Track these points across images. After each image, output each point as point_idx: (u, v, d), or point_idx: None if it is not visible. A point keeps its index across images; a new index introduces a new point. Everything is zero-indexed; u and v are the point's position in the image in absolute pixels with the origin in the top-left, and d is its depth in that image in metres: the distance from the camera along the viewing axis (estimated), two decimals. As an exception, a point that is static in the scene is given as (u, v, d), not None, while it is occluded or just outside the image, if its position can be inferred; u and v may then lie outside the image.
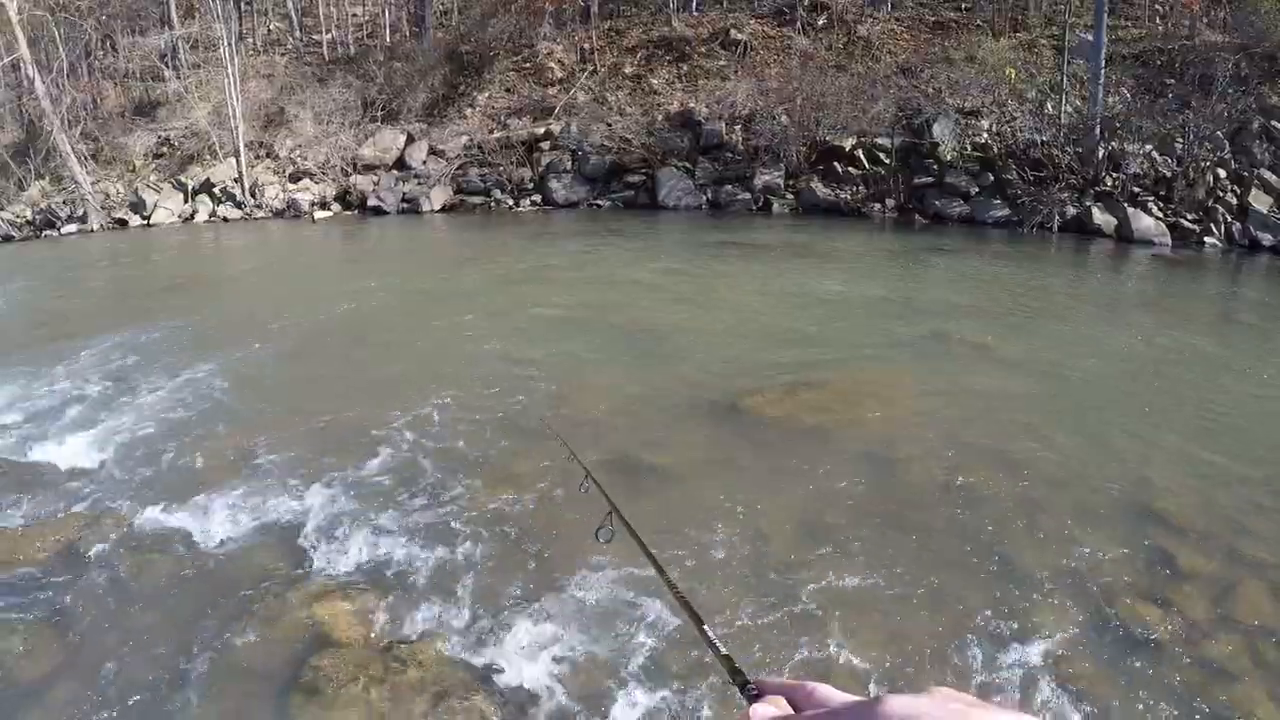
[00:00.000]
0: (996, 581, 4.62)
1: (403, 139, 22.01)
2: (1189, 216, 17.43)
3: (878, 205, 17.98)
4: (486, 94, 21.76)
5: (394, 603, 4.51)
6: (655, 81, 20.34)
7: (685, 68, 20.40)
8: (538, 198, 20.38)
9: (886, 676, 3.89)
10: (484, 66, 22.24)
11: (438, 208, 20.95)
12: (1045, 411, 7.13)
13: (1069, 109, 18.41)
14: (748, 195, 18.61)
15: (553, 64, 21.50)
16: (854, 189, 18.17)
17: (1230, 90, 18.69)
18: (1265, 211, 17.59)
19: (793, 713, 0.54)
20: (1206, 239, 17.27)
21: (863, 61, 19.50)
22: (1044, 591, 4.53)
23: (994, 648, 4.08)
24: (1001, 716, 0.45)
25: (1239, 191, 17.89)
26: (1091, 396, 7.59)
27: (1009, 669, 3.94)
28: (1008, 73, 18.58)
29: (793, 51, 20.06)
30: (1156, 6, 21.46)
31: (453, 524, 5.22)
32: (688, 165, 19.18)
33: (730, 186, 18.75)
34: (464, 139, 21.21)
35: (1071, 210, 17.36)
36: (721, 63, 20.11)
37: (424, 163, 21.49)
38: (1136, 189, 17.71)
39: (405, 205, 20.94)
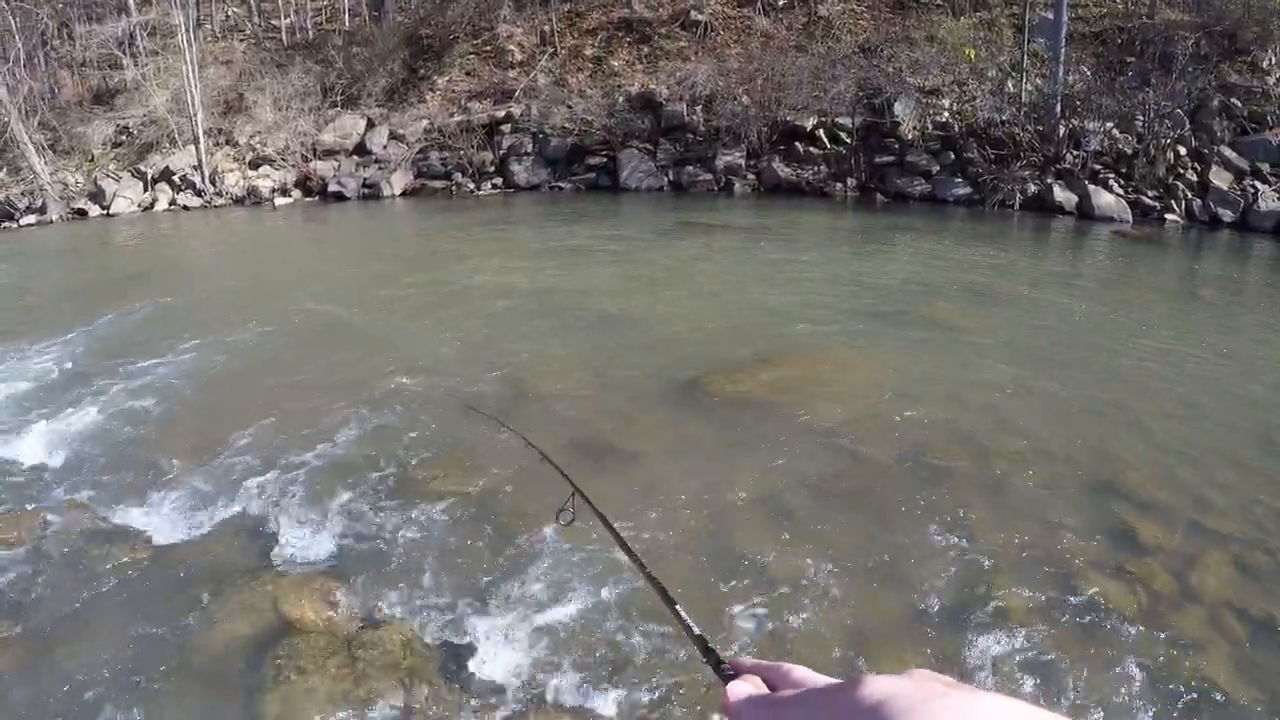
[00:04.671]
0: (959, 558, 4.59)
1: (363, 124, 21.73)
2: (1150, 193, 17.43)
3: (839, 184, 17.88)
4: (447, 78, 21.52)
5: (358, 589, 4.44)
6: (616, 63, 20.16)
7: (646, 49, 20.23)
8: (499, 181, 20.18)
9: (850, 655, 3.85)
10: (444, 50, 22.00)
11: (399, 192, 20.70)
12: (1007, 389, 7.10)
13: (1029, 87, 18.37)
14: (709, 176, 18.48)
15: (513, 47, 21.30)
16: (815, 169, 18.07)
17: (1190, 68, 18.71)
18: (1225, 188, 17.63)
19: (769, 692, 0.53)
20: (1167, 215, 17.29)
21: (824, 42, 19.39)
22: (1007, 567, 4.51)
23: (957, 625, 4.06)
24: (981, 699, 0.44)
25: (1199, 169, 17.92)
26: (1052, 373, 7.57)
27: (972, 646, 3.92)
28: (968, 52, 18.51)
29: (754, 32, 19.92)
30: (1117, -16, 21.47)
31: (415, 510, 5.13)
32: (649, 147, 19.03)
33: (692, 167, 18.61)
34: (424, 123, 20.96)
35: (1033, 188, 17.32)
36: (682, 44, 19.97)
37: (384, 148, 21.22)
38: (1097, 166, 17.69)
39: (366, 190, 20.67)
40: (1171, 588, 4.46)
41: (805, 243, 14.30)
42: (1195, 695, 3.71)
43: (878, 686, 0.46)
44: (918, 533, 4.82)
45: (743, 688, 0.54)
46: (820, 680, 0.53)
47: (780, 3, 20.41)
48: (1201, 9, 20.26)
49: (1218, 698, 3.71)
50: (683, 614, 0.70)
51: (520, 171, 19.98)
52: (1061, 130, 17.71)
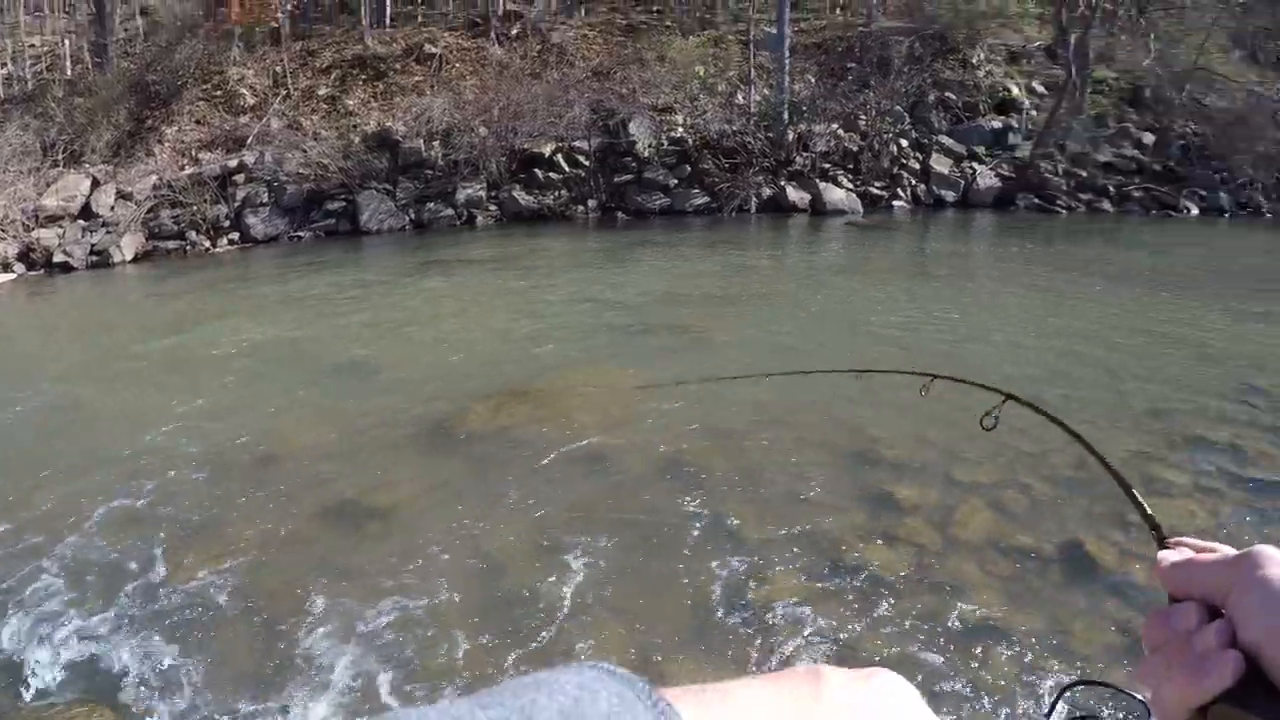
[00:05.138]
0: (733, 552, 4.62)
1: (87, 183, 19.88)
2: (877, 184, 18.03)
3: (580, 207, 17.65)
4: (175, 127, 20.13)
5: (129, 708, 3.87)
6: (351, 102, 19.39)
7: (381, 86, 19.58)
8: (235, 235, 18.85)
9: (641, 670, 3.36)
10: (171, 97, 20.58)
11: (130, 257, 18.94)
12: (755, 384, 7.32)
13: (758, 98, 18.81)
14: (451, 211, 17.89)
15: (244, 90, 20.19)
16: (556, 194, 17.78)
17: (907, 69, 19.67)
18: (946, 173, 18.47)
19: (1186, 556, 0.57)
20: (895, 203, 17.92)
21: (558, 68, 19.29)
22: (781, 553, 4.58)
23: (741, 618, 4.08)
24: None
25: (921, 158, 18.73)
26: (798, 360, 7.67)
27: (759, 634, 3.94)
28: (697, 69, 18.84)
29: (488, 62, 19.64)
30: (836, -2, 22.58)
31: (168, 606, 4.56)
32: (388, 186, 18.28)
33: (433, 204, 17.98)
34: (153, 179, 19.43)
35: (767, 191, 17.61)
36: (417, 78, 19.44)
37: (112, 209, 19.48)
38: (826, 165, 18.19)
39: (95, 258, 18.81)
40: (936, 540, 4.65)
41: (550, 268, 14.07)
42: (975, 631, 3.88)
43: (1275, 554, 0.49)
44: (689, 538, 4.82)
45: (1171, 554, 0.58)
46: (1228, 551, 0.55)
47: (514, 32, 20.26)
48: (915, 14, 21.47)
49: (995, 628, 3.90)
50: (1136, 495, 0.76)
51: (257, 224, 18.76)
52: (790, 135, 18.16)
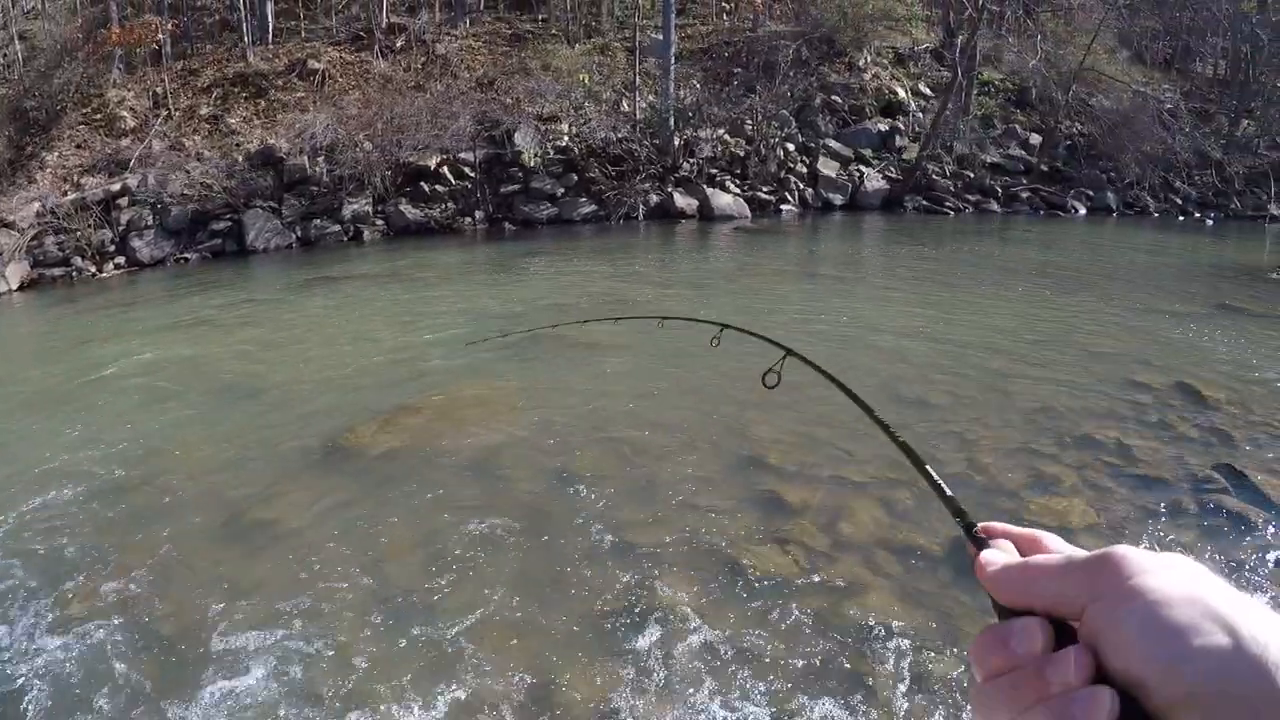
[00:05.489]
0: (625, 563, 4.58)
1: (-32, 214, 19.24)
2: (765, 189, 18.12)
3: (467, 219, 17.41)
4: (56, 153, 19.46)
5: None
6: (233, 120, 18.91)
7: (263, 103, 19.13)
8: (122, 260, 18.28)
9: (535, 686, 3.68)
10: (51, 123, 19.94)
11: (15, 287, 18.20)
12: (639, 390, 7.29)
13: (644, 105, 18.80)
14: (338, 227, 17.52)
15: (125, 112, 19.58)
16: (443, 206, 17.52)
17: (792, 72, 19.84)
18: (834, 175, 18.65)
19: (1021, 558, 0.51)
20: (783, 206, 18.01)
21: (442, 80, 19.04)
22: (672, 561, 4.56)
23: (635, 628, 4.02)
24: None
25: (808, 161, 18.88)
26: (681, 365, 7.87)
27: (653, 644, 3.88)
28: (582, 77, 18.76)
29: (372, 76, 19.34)
30: (724, 4, 22.71)
31: (57, 634, 4.37)
32: (274, 204, 17.85)
33: (319, 220, 17.58)
34: (36, 205, 18.78)
35: (655, 198, 17.58)
36: (300, 94, 19.04)
37: (-5, 240, 18.84)
38: (714, 170, 18.24)
39: (-19, 289, 18.15)
40: (824, 541, 4.65)
41: (436, 282, 13.88)
42: (865, 632, 3.87)
43: (1134, 555, 0.43)
44: (580, 547, 4.76)
45: (997, 555, 0.51)
46: (1071, 549, 0.49)
47: (398, 44, 19.99)
48: (801, 18, 21.71)
49: (885, 628, 3.89)
50: (935, 475, 0.66)
51: (143, 247, 18.20)
52: (676, 141, 18.17)
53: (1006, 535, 0.54)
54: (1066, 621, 0.44)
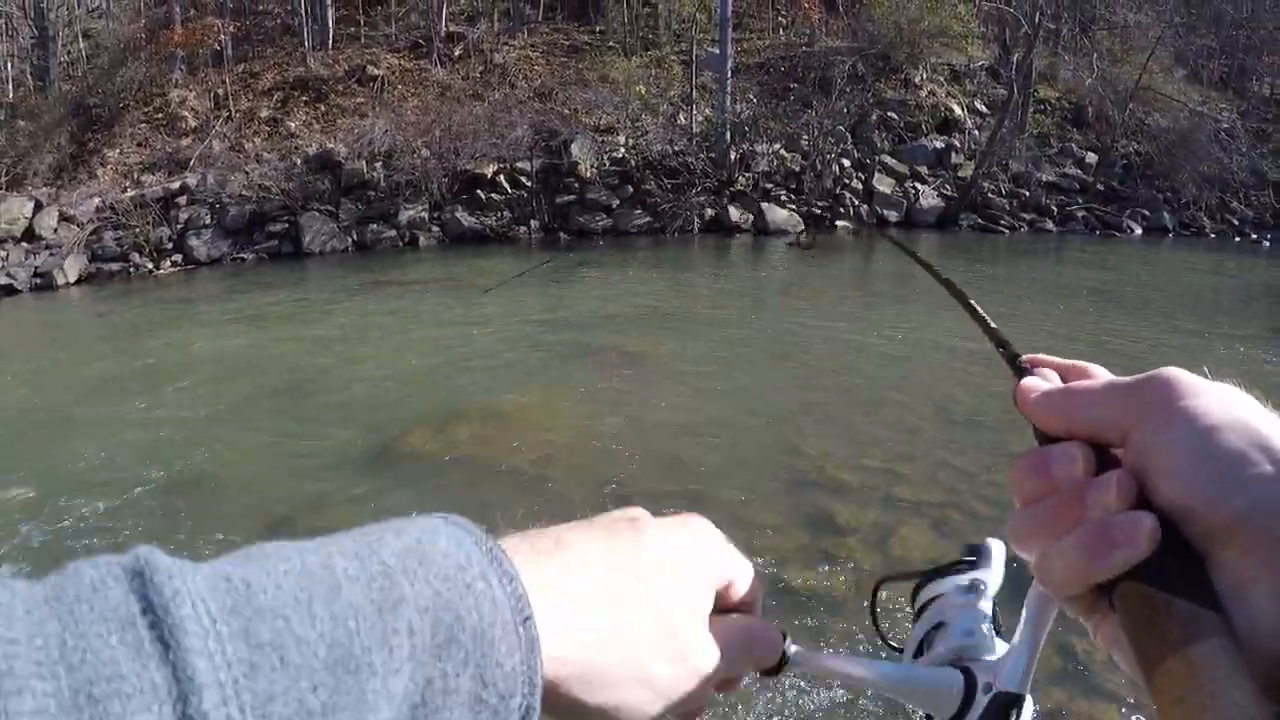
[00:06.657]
0: None
1: (30, 206, 19.63)
2: (819, 204, 18.07)
3: (523, 228, 17.55)
4: (118, 150, 19.89)
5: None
6: (293, 124, 19.22)
7: (323, 108, 19.43)
8: (179, 257, 18.63)
9: None
10: (114, 120, 20.34)
11: (73, 280, 18.66)
12: (695, 405, 7.30)
13: (700, 118, 18.84)
14: (394, 232, 17.74)
15: (186, 112, 19.97)
16: (499, 214, 17.67)
17: (848, 88, 19.78)
18: (889, 192, 18.56)
19: (1063, 384, 0.48)
20: (838, 222, 17.95)
21: (499, 89, 19.24)
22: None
23: None
24: None
25: (864, 177, 18.80)
26: (737, 381, 7.93)
27: None
28: (639, 89, 18.84)
29: (430, 83, 19.56)
30: (780, 18, 22.70)
31: None
32: (331, 208, 18.11)
33: (376, 225, 17.82)
34: (96, 201, 19.20)
35: (710, 211, 17.61)
36: (359, 100, 19.31)
37: (55, 231, 19.20)
38: (769, 185, 18.23)
39: (38, 280, 18.49)
40: (875, 561, 4.63)
41: (492, 289, 14.06)
42: None
43: (1194, 381, 0.40)
44: None
45: (1036, 381, 0.48)
46: (1116, 377, 0.45)
47: (456, 53, 20.19)
48: (857, 34, 21.65)
49: None
50: (979, 309, 0.64)
51: (200, 246, 18.54)
52: (732, 155, 18.19)
53: (1051, 365, 0.52)
54: (1109, 449, 0.42)
